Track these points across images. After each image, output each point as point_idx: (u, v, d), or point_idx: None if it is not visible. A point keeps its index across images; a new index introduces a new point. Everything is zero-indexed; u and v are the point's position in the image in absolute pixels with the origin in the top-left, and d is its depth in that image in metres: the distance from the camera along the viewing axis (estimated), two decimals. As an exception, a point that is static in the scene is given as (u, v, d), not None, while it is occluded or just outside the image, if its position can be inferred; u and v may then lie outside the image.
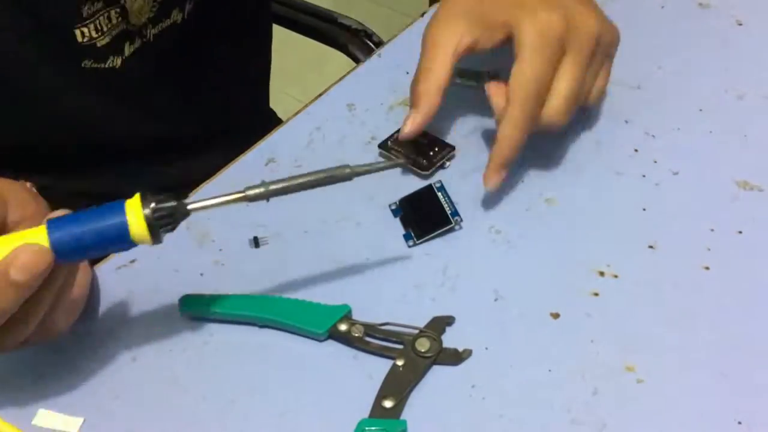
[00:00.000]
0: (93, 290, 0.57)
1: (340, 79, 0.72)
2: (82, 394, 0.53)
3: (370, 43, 0.95)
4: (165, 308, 0.57)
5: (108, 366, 0.55)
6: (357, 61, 0.92)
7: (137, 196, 0.48)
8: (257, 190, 0.50)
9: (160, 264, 0.60)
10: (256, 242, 0.61)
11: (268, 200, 0.50)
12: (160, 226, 0.48)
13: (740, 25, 0.74)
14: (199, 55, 0.75)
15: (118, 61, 0.67)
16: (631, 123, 0.67)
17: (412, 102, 0.62)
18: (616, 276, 0.58)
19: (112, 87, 0.69)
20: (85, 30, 0.63)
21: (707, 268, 0.58)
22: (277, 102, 0.98)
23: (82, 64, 0.66)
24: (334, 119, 0.69)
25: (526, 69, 0.58)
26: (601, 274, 0.58)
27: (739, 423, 0.50)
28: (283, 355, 0.55)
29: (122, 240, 0.48)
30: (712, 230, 0.60)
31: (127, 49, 0.67)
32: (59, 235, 0.47)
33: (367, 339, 0.55)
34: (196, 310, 0.57)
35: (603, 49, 0.61)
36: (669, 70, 0.70)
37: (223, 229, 0.61)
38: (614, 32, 0.62)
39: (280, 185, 0.50)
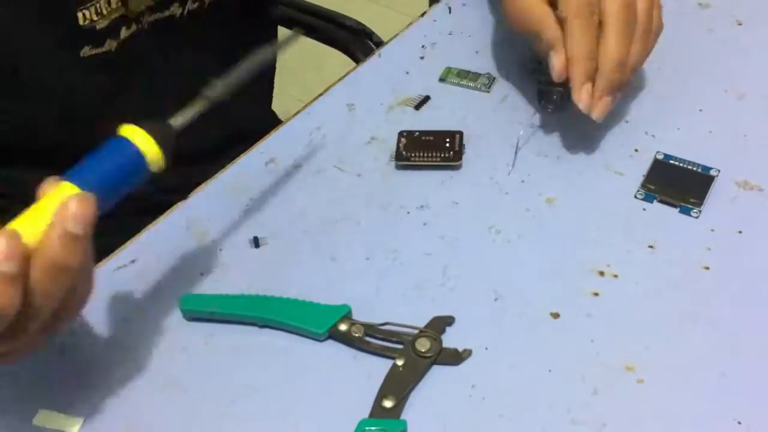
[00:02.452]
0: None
1: (340, 79, 0.72)
2: (82, 394, 0.53)
3: (370, 43, 0.95)
4: (165, 308, 0.57)
5: (108, 366, 0.55)
6: (357, 61, 0.92)
7: (130, 126, 0.48)
8: (215, 91, 0.53)
9: (160, 264, 0.60)
10: (256, 242, 0.61)
11: (230, 98, 0.53)
12: (165, 143, 0.48)
13: (740, 25, 0.74)
14: (200, 54, 0.75)
15: (113, 45, 0.68)
16: (631, 123, 0.67)
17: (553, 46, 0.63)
18: (616, 276, 0.58)
19: (109, 75, 0.69)
20: (87, 12, 0.64)
21: (707, 268, 0.58)
22: (277, 102, 0.98)
23: (81, 53, 0.66)
24: (334, 119, 0.69)
25: None
26: (601, 274, 0.58)
27: (739, 423, 0.50)
28: (283, 355, 0.55)
29: (141, 168, 0.48)
30: (712, 230, 0.60)
31: (123, 33, 0.68)
32: (87, 187, 0.46)
33: (367, 339, 0.55)
34: (196, 310, 0.57)
35: None
36: (669, 70, 0.70)
37: (223, 229, 0.61)
38: None
39: (235, 76, 0.54)
